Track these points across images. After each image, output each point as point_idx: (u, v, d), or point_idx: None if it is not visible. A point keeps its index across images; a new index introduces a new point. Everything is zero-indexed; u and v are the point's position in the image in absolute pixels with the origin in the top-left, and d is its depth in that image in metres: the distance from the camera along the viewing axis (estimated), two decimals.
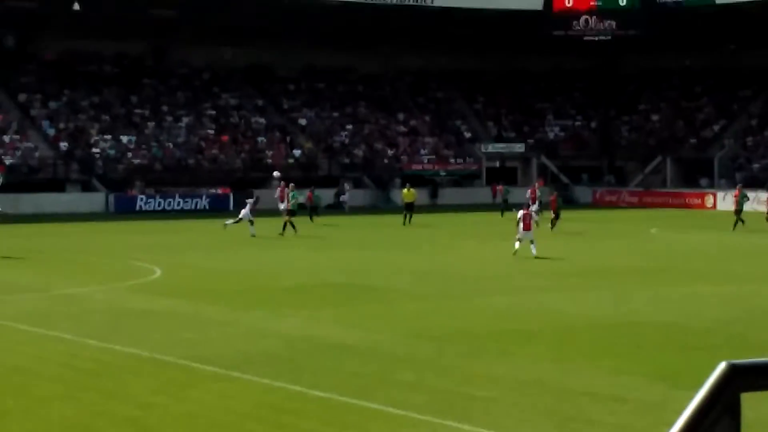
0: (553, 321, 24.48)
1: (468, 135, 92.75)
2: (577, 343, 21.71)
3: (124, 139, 79.06)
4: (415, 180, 74.16)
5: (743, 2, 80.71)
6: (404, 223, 56.50)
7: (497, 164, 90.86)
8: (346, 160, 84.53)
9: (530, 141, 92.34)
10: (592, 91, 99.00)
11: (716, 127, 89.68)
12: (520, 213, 40.00)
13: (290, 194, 53.93)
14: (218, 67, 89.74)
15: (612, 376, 18.08)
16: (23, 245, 46.61)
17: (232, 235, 48.34)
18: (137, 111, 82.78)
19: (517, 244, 39.05)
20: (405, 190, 60.83)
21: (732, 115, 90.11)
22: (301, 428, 14.90)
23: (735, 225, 52.76)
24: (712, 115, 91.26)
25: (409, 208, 57.99)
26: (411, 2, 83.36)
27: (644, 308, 26.53)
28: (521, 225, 39.25)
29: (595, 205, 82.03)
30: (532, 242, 38.83)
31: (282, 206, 55.15)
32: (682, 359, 19.60)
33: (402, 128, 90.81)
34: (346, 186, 76.99)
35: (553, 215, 53.24)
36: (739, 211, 53.80)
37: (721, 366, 2.86)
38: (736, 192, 56.34)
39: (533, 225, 40.38)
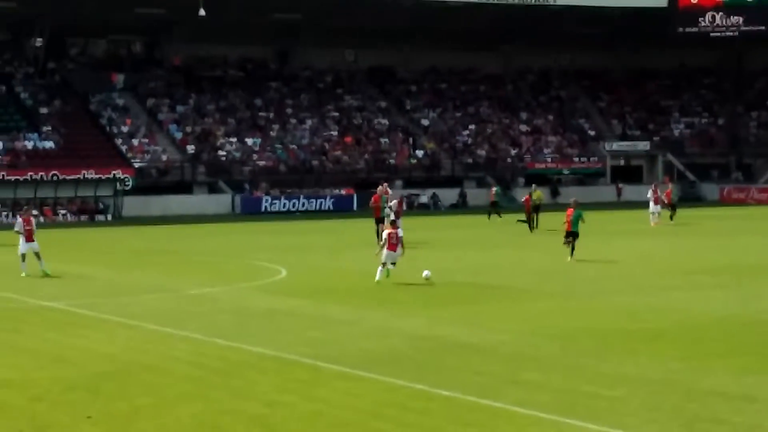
0: (680, 319, 24.12)
1: (592, 133, 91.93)
2: (705, 341, 21.37)
3: (249, 141, 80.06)
4: (539, 179, 73.73)
5: None
6: (531, 229, 52.65)
7: (621, 162, 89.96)
8: (469, 160, 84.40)
9: (656, 139, 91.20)
10: (718, 88, 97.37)
11: None
12: (386, 233, 32.26)
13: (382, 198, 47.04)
14: (341, 69, 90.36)
15: (741, 375, 17.76)
16: (152, 247, 47.55)
17: (356, 236, 48.55)
18: (261, 114, 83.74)
19: (379, 272, 31.60)
20: (537, 192, 56.14)
21: None
22: (426, 426, 14.89)
23: None
24: None
25: (536, 210, 54.19)
26: (533, 1, 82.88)
27: None
28: (385, 246, 31.74)
29: (723, 202, 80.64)
30: (393, 264, 31.83)
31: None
32: None
33: (525, 127, 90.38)
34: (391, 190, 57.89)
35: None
36: None
37: None
38: None
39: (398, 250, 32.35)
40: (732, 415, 15.16)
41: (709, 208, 70.20)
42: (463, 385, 17.12)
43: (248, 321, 24.74)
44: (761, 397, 16.19)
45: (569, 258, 37.09)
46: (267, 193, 74.74)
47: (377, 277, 31.42)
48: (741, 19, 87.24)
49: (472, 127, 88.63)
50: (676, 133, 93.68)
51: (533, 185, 59.76)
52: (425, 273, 31.31)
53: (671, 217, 57.14)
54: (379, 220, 44.77)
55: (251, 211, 71.58)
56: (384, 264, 31.63)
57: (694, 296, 28.08)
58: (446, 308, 26.39)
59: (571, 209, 38.49)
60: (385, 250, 31.65)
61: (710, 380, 17.41)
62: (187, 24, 79.58)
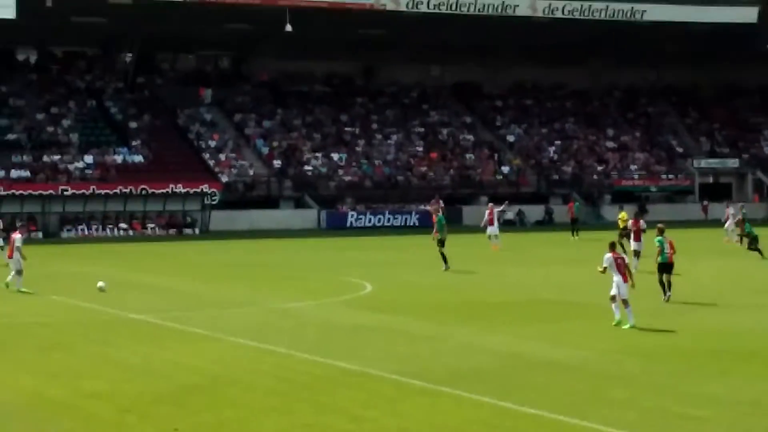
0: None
1: (680, 150, 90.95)
2: None
3: (335, 156, 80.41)
4: (626, 196, 73.02)
5: None
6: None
7: (710, 180, 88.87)
8: (555, 177, 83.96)
9: (745, 156, 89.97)
10: None
11: None
12: (611, 256, 27.41)
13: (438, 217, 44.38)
14: (426, 85, 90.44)
15: None
16: (239, 261, 47.90)
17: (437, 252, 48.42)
18: (347, 129, 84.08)
19: (616, 309, 26.36)
20: (623, 213, 54.28)
21: None
22: None
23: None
24: None
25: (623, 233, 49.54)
26: (621, 18, 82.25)
27: None
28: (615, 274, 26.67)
29: None
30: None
31: (491, 230, 52.65)
32: None
33: (611, 144, 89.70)
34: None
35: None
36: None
37: None
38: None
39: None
40: None
41: None
42: (550, 403, 16.97)
43: (333, 336, 24.79)
44: None
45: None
46: (353, 209, 74.96)
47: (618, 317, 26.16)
48: None
49: (558, 143, 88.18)
50: (766, 150, 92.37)
51: (621, 206, 58.39)
52: (100, 284, 32.28)
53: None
54: (440, 241, 42.52)
55: (337, 226, 71.84)
56: (616, 298, 26.38)
57: None
58: (531, 325, 26.24)
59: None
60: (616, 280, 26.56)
61: None
62: (274, 39, 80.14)
